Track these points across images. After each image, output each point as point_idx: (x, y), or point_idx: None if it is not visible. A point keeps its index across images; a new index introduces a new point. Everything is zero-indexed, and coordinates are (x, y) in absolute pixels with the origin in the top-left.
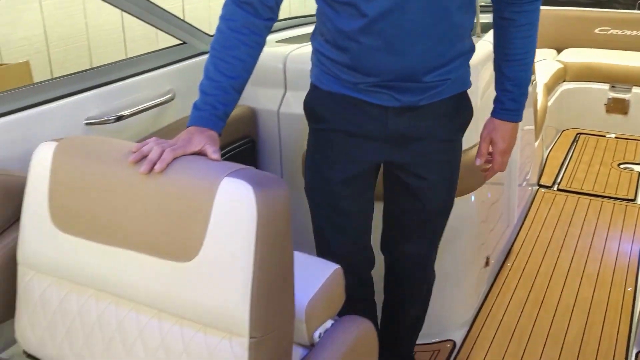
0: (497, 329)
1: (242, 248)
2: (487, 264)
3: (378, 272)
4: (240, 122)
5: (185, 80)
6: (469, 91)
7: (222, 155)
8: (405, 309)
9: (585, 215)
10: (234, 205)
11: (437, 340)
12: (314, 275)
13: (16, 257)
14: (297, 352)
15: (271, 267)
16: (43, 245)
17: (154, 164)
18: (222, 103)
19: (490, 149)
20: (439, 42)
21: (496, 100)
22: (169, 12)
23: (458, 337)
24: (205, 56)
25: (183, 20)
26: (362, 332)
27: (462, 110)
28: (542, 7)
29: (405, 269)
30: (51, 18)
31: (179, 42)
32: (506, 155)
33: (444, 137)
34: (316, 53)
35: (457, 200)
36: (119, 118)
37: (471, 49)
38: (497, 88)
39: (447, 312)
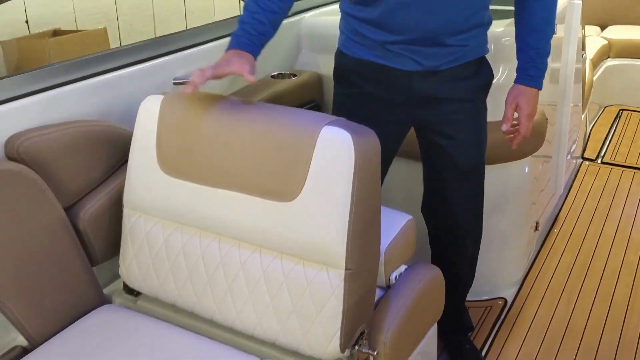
0: (547, 288)
1: (342, 189)
2: (536, 228)
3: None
4: (306, 87)
5: None
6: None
7: None
8: (452, 271)
9: (630, 187)
10: (334, 150)
11: (489, 297)
12: (390, 224)
13: (122, 201)
14: (376, 293)
15: (365, 206)
16: (150, 189)
17: (196, 85)
18: (258, 31)
19: (516, 115)
20: (466, 7)
21: (520, 68)
22: None
23: (509, 295)
24: (286, 20)
25: None
26: (432, 277)
27: (482, 72)
28: None
29: (447, 230)
30: None
31: None
32: (531, 119)
33: (466, 97)
34: (344, 17)
35: (511, 165)
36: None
37: (489, 22)
38: (520, 57)
39: (499, 271)
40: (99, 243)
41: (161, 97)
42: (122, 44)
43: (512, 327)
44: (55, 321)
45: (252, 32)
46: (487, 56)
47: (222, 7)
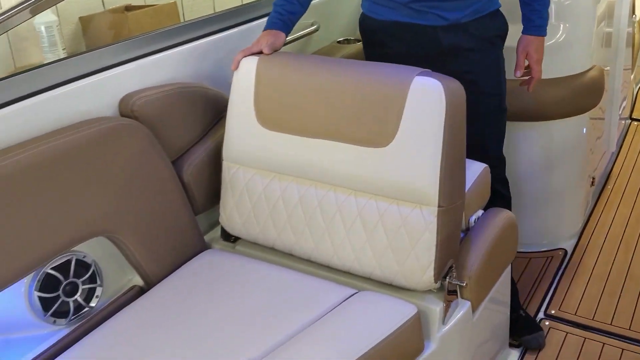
0: (605, 239)
1: (434, 133)
2: (592, 183)
3: None
4: None
5: (326, 13)
6: None
7: None
8: None
9: None
10: (426, 98)
11: (549, 248)
12: (468, 172)
13: (219, 155)
14: None
15: (454, 148)
16: (249, 143)
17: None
18: (288, 11)
19: (527, 63)
20: None
21: (526, 20)
22: None
23: (569, 246)
24: None
25: None
26: (507, 220)
27: (498, 23)
28: None
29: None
30: None
31: None
32: (540, 64)
33: (486, 46)
34: None
35: (570, 121)
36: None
37: None
38: (524, 9)
39: (558, 224)
40: (200, 194)
41: (257, 58)
42: (185, 19)
43: (573, 275)
44: (167, 263)
45: (282, 12)
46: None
47: None
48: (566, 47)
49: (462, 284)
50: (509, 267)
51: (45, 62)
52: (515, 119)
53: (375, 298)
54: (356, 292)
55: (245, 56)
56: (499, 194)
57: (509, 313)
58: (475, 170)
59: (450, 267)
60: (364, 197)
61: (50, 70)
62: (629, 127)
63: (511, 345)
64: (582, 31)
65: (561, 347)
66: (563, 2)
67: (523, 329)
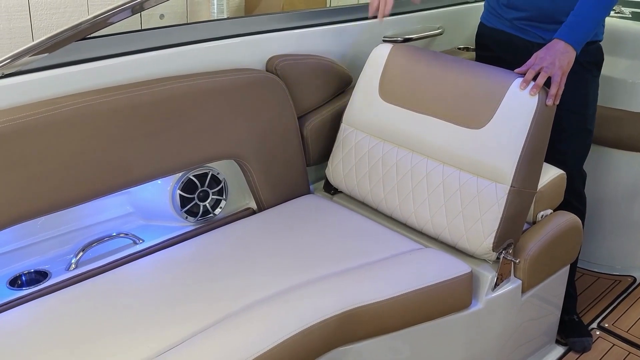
0: None
1: (521, 128)
2: None
3: None
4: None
5: (452, 21)
6: None
7: None
8: None
9: None
10: (521, 99)
11: (621, 274)
12: (545, 175)
13: (337, 120)
14: (525, 225)
15: (535, 144)
16: (367, 111)
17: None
18: None
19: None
20: None
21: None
22: None
23: (639, 276)
24: (470, 5)
25: None
26: (572, 223)
27: (593, 51)
28: None
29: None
30: None
31: None
32: (542, 64)
33: (576, 69)
34: None
35: None
36: (406, 40)
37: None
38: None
39: (633, 253)
40: (314, 149)
41: (391, 45)
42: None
43: (635, 301)
44: (277, 196)
45: None
46: None
47: None
48: None
49: (515, 261)
50: (567, 268)
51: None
52: (611, 145)
53: (437, 254)
54: (422, 247)
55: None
56: (573, 207)
57: (560, 311)
58: (552, 173)
59: (510, 244)
60: (450, 168)
61: (219, 25)
62: None
63: (557, 343)
64: None
65: (604, 356)
66: None
67: (573, 331)
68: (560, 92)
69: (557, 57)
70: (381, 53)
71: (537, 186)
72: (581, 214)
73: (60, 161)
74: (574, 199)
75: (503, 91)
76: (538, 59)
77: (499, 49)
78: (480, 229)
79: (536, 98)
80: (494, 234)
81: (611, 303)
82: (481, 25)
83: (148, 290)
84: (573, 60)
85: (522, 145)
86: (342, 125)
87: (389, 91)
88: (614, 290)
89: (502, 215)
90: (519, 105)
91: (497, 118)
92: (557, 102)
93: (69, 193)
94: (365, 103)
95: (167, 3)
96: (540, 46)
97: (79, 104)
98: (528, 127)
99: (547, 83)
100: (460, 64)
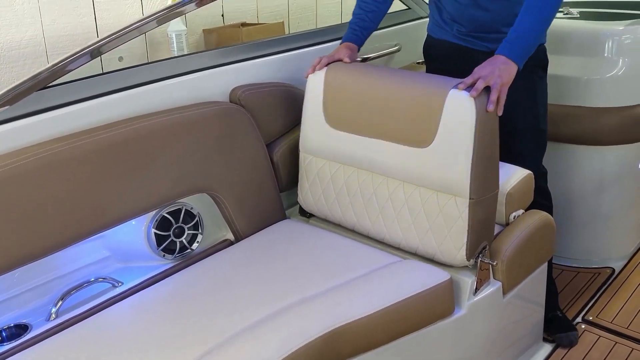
0: None
1: (465, 139)
2: None
3: None
4: None
5: (409, 37)
6: None
7: None
8: None
9: None
10: (459, 110)
11: (598, 266)
12: (513, 176)
13: (299, 146)
14: (497, 228)
15: (484, 152)
16: (319, 138)
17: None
18: (360, 27)
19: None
20: (512, 5)
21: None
22: None
23: (618, 266)
24: (424, 20)
25: None
26: (544, 221)
27: (537, 54)
28: None
29: None
30: None
31: (405, 7)
32: (479, 77)
33: (523, 73)
34: (431, 8)
35: (624, 148)
36: (364, 59)
37: None
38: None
39: (609, 245)
40: (285, 174)
41: (324, 70)
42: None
43: (616, 291)
44: (254, 223)
45: (356, 28)
46: (609, 52)
47: None
48: (624, 80)
49: (492, 263)
50: (545, 266)
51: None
52: (572, 142)
53: (415, 264)
54: (401, 260)
55: (328, 63)
56: (539, 204)
57: (543, 309)
58: (519, 174)
59: (484, 247)
60: (410, 187)
61: (180, 62)
62: None
63: (545, 340)
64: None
65: (591, 348)
66: (623, 40)
67: (558, 327)
68: (502, 102)
69: (497, 68)
70: (317, 79)
71: (497, 188)
72: (548, 209)
73: (29, 212)
74: (538, 196)
75: (440, 105)
76: (478, 69)
77: (446, 59)
78: (450, 243)
79: (474, 110)
80: (464, 247)
81: (593, 296)
82: (428, 37)
83: (131, 334)
84: (514, 74)
85: (471, 158)
86: (301, 154)
87: (334, 117)
88: (595, 283)
89: (469, 227)
90: (458, 118)
91: (440, 135)
92: (500, 112)
93: (42, 242)
94: (315, 131)
95: (126, 45)
96: (486, 54)
97: (44, 153)
98: (472, 140)
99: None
100: (395, 78)
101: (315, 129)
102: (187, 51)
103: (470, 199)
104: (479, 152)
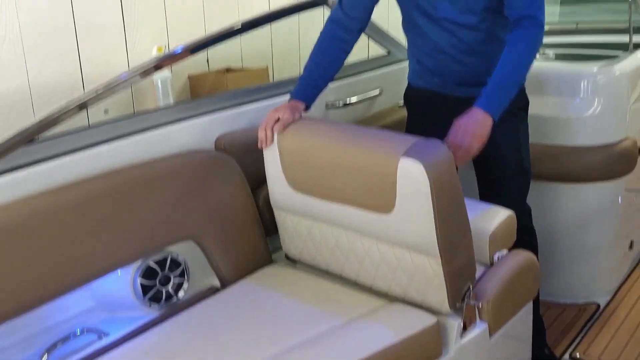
0: (639, 297)
1: (425, 203)
2: (631, 247)
3: None
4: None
5: (389, 80)
6: None
7: None
8: None
9: None
10: (412, 178)
11: (583, 302)
12: (495, 216)
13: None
14: (481, 268)
15: (448, 210)
16: (286, 199)
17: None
18: (312, 85)
19: None
20: (489, 58)
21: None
22: (378, 27)
23: (603, 302)
24: (405, 63)
25: (388, 34)
26: (528, 261)
27: (518, 97)
28: None
29: None
30: (276, 37)
31: (385, 52)
32: (460, 133)
33: (505, 116)
34: (410, 60)
35: (604, 186)
36: (346, 104)
37: None
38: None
39: (593, 280)
40: (271, 218)
41: (275, 132)
42: (275, 80)
43: (603, 326)
44: (240, 270)
45: (308, 86)
46: (585, 92)
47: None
48: (600, 118)
49: (477, 304)
50: (531, 304)
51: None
52: (554, 180)
53: (401, 308)
54: (387, 304)
55: (272, 128)
56: (524, 242)
57: (530, 347)
58: (502, 215)
59: (468, 290)
60: (383, 245)
61: (166, 112)
62: None
63: None
64: (615, 105)
65: None
66: (598, 80)
67: None
68: (469, 157)
69: (477, 129)
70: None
71: (469, 235)
72: (534, 247)
73: (15, 265)
74: (523, 234)
75: (393, 174)
76: (460, 134)
77: (427, 105)
78: (432, 297)
79: (426, 177)
80: (446, 300)
81: (579, 332)
82: (408, 86)
83: None
84: (490, 128)
85: (434, 222)
86: (275, 211)
87: (295, 181)
88: (581, 319)
89: (446, 282)
90: (414, 187)
91: (399, 202)
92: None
93: (27, 296)
94: (281, 193)
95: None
96: (467, 99)
97: (30, 207)
98: (431, 204)
99: None
100: (348, 142)
101: (280, 190)
102: (173, 97)
103: (442, 258)
104: (441, 214)
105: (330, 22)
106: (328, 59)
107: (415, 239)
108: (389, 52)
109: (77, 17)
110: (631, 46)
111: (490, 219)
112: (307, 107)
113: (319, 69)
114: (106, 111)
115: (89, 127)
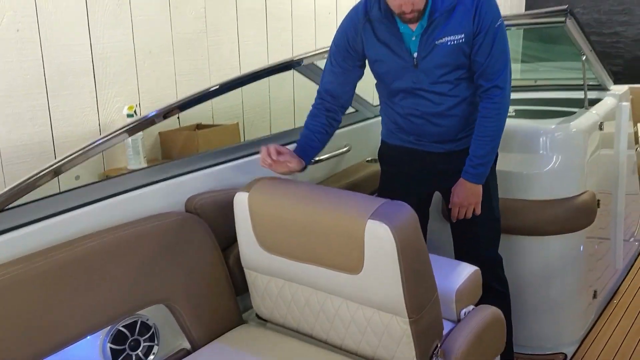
0: (604, 347)
1: (392, 264)
2: (594, 296)
3: None
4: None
5: (357, 137)
6: None
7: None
8: None
9: None
10: (379, 240)
11: (550, 352)
12: (461, 273)
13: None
14: (448, 325)
15: (414, 271)
16: (256, 259)
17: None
18: (310, 146)
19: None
20: (463, 117)
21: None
22: None
23: (569, 351)
24: (372, 120)
25: (356, 93)
26: (495, 316)
27: None
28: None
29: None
30: (247, 93)
31: (353, 110)
32: (461, 208)
33: None
34: (384, 119)
35: (566, 238)
36: (316, 161)
37: None
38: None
39: (559, 331)
40: (242, 278)
41: (247, 193)
42: (245, 136)
43: None
44: (211, 331)
45: (305, 146)
46: (544, 148)
47: None
48: (559, 173)
49: None
50: (498, 358)
51: (129, 167)
52: (517, 233)
53: None
54: None
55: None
56: (495, 291)
57: None
58: (467, 271)
59: (436, 347)
60: (353, 305)
61: (136, 175)
62: None
63: None
64: (573, 160)
65: None
66: (556, 136)
67: None
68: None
69: (472, 196)
70: (241, 201)
71: (435, 294)
72: (505, 296)
73: None
74: (496, 283)
75: (361, 236)
76: (459, 202)
77: (401, 162)
78: (401, 356)
79: (393, 239)
80: (414, 358)
81: None
82: (382, 143)
83: None
84: (481, 192)
85: (401, 282)
86: (245, 270)
87: (265, 241)
88: None
89: (414, 341)
90: (381, 249)
91: (367, 263)
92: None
93: None
94: (252, 252)
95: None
96: (441, 155)
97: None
98: (398, 265)
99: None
100: (316, 201)
101: (251, 250)
102: (143, 155)
103: (409, 317)
104: (408, 274)
105: (318, 96)
106: (320, 127)
107: (383, 298)
108: (356, 110)
109: (49, 77)
110: (586, 103)
111: (456, 275)
112: (305, 165)
113: (313, 133)
114: (77, 177)
115: (59, 192)
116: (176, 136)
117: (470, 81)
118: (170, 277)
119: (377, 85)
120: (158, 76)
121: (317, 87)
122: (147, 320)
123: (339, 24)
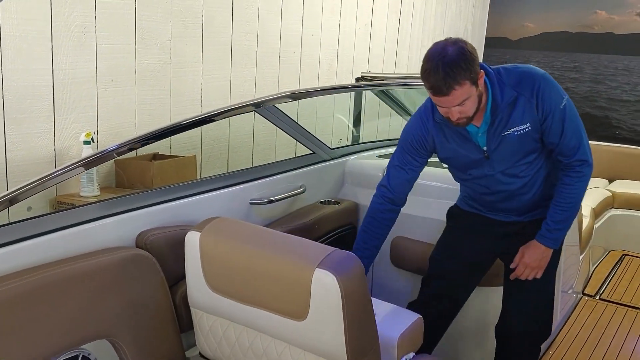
0: None
1: (336, 312)
2: None
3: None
4: (346, 212)
5: (312, 179)
6: None
7: (332, 236)
8: None
9: (621, 322)
10: (325, 288)
11: None
12: (404, 320)
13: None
14: None
15: (357, 320)
16: (204, 298)
17: None
18: (365, 256)
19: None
20: (530, 196)
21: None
22: (304, 129)
23: None
24: (327, 162)
25: (314, 135)
26: None
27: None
28: (597, 143)
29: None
30: (206, 126)
31: (310, 151)
32: (527, 268)
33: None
34: (465, 191)
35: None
36: (270, 201)
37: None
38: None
39: None
40: (187, 314)
41: (199, 232)
42: (202, 168)
43: None
44: None
45: (363, 252)
46: None
47: (281, 144)
48: None
49: None
50: None
51: (81, 194)
52: None
53: None
54: None
55: None
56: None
57: None
58: (410, 318)
59: None
60: (296, 351)
61: (88, 209)
62: (579, 301)
63: None
64: None
65: None
66: None
67: None
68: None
69: (543, 260)
70: (192, 240)
71: (376, 343)
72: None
73: None
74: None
75: (308, 284)
76: (528, 263)
77: (468, 222)
78: None
79: (339, 290)
80: None
81: None
82: (456, 207)
83: None
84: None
85: (344, 331)
86: (192, 309)
87: (213, 281)
88: None
89: None
90: (327, 298)
91: (312, 311)
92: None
93: None
94: (199, 292)
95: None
96: (510, 223)
97: None
98: (342, 314)
99: None
100: (266, 245)
101: (198, 289)
102: (97, 182)
103: None
104: (351, 324)
105: (378, 197)
106: (381, 230)
107: (326, 345)
108: (313, 152)
109: (7, 100)
110: None
111: (400, 322)
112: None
113: (373, 239)
114: (29, 208)
115: (9, 223)
116: (132, 165)
117: (544, 159)
118: (115, 314)
119: (453, 176)
120: (119, 104)
121: (276, 128)
122: (89, 355)
123: (302, 64)
